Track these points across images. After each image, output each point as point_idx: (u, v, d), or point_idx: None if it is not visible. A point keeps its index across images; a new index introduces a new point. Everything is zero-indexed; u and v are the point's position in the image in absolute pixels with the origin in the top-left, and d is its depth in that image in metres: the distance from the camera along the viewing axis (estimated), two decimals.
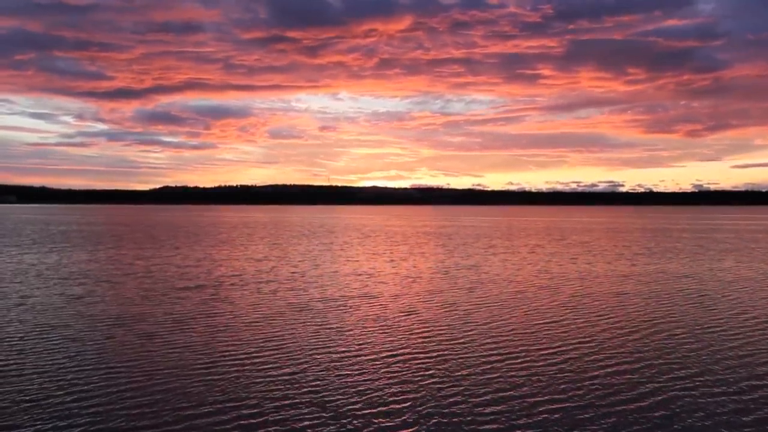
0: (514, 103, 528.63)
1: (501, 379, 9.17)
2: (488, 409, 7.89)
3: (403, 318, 13.89)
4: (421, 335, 12.12)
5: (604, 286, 19.29)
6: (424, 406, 7.99)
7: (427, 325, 13.13)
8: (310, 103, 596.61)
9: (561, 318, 13.97)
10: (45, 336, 11.84)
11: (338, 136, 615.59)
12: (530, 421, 7.51)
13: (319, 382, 8.99)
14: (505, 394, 8.51)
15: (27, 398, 8.20)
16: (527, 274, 22.43)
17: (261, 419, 7.53)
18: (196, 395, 8.38)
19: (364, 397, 8.34)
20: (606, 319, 13.91)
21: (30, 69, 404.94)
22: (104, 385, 8.79)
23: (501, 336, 12.06)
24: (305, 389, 8.67)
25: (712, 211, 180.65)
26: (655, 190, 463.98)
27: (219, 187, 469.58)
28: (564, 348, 11.11)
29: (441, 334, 12.25)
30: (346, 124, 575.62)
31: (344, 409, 7.90)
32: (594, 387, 8.82)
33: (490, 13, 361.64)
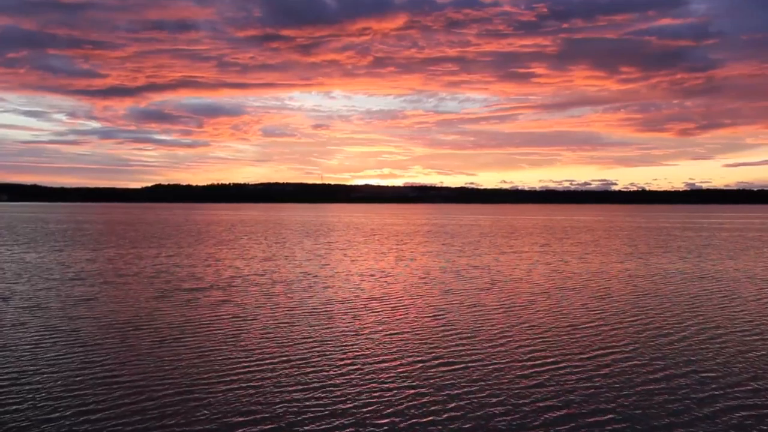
0: (508, 102, 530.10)
1: (545, 387, 8.72)
2: (536, 421, 7.45)
3: (428, 321, 13.43)
4: (449, 339, 11.66)
5: (626, 287, 18.91)
6: (466, 419, 7.53)
7: (453, 328, 12.68)
8: (304, 101, 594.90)
9: (591, 320, 13.55)
10: (55, 340, 11.30)
11: (332, 135, 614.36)
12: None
13: (342, 391, 8.52)
14: (552, 402, 8.06)
15: (40, 405, 7.69)
16: (543, 274, 22.04)
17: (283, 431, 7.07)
18: (211, 404, 7.90)
19: (395, 408, 7.87)
20: (639, 321, 13.49)
21: (23, 67, 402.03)
22: (118, 394, 8.29)
23: (534, 339, 11.62)
24: (328, 398, 8.20)
25: (707, 210, 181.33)
26: (647, 188, 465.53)
27: (212, 186, 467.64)
28: (604, 352, 10.68)
29: (470, 337, 11.80)
30: (340, 122, 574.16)
31: (374, 421, 7.43)
32: (642, 394, 8.39)
33: (484, 12, 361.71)
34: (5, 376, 9.07)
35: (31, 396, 8.21)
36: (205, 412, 7.68)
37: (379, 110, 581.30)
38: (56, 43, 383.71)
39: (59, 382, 8.79)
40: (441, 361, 10.11)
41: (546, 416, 7.58)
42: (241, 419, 7.44)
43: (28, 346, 10.88)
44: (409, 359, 10.20)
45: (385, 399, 8.19)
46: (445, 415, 7.60)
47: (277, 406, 7.89)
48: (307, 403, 8.00)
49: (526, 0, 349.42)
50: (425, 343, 11.31)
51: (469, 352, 10.71)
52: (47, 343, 11.11)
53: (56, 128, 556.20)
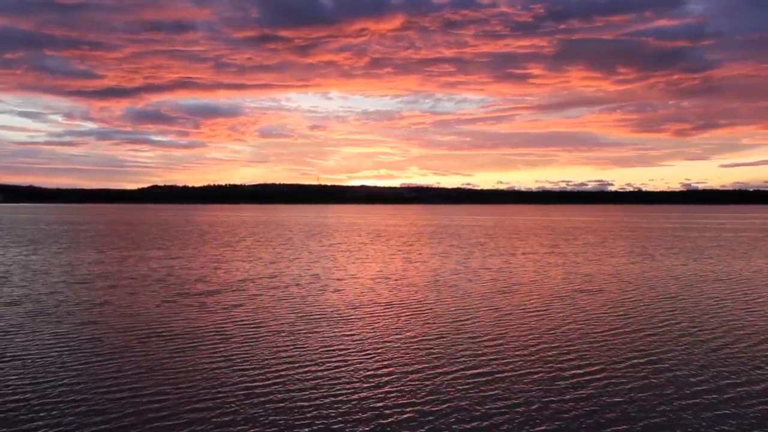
0: (505, 103, 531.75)
1: (578, 391, 8.40)
2: (574, 429, 7.14)
3: (449, 325, 13.09)
4: (473, 344, 11.31)
5: (644, 289, 18.60)
6: (497, 427, 7.21)
7: (475, 332, 12.34)
8: (301, 102, 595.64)
9: (615, 323, 13.23)
10: (67, 347, 10.94)
11: (328, 135, 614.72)
12: None
13: (366, 395, 8.19)
14: (587, 409, 7.73)
15: (55, 414, 7.34)
16: (558, 277, 21.74)
17: None
18: (232, 412, 7.56)
19: (423, 416, 7.54)
20: (666, 324, 13.15)
21: (20, 67, 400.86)
22: (137, 402, 7.95)
23: (561, 344, 11.30)
24: (352, 406, 7.87)
25: (704, 210, 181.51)
26: (644, 189, 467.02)
27: (208, 187, 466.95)
28: (633, 355, 10.35)
29: (493, 341, 11.47)
30: (336, 123, 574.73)
31: (401, 430, 7.11)
32: (682, 398, 8.08)
33: (481, 13, 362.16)
34: (19, 385, 8.71)
35: (46, 405, 7.86)
36: (228, 419, 7.35)
37: (376, 111, 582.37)
38: (53, 44, 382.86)
39: (74, 391, 8.44)
40: (468, 365, 9.78)
41: (584, 424, 7.28)
42: (262, 428, 7.12)
43: (39, 354, 10.51)
44: (433, 365, 9.87)
45: (413, 407, 7.86)
46: (479, 424, 7.28)
47: (300, 414, 7.56)
48: (333, 411, 7.66)
49: (523, 1, 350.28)
50: (449, 349, 10.98)
51: (494, 356, 10.39)
52: (59, 350, 10.74)
53: (52, 129, 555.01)
